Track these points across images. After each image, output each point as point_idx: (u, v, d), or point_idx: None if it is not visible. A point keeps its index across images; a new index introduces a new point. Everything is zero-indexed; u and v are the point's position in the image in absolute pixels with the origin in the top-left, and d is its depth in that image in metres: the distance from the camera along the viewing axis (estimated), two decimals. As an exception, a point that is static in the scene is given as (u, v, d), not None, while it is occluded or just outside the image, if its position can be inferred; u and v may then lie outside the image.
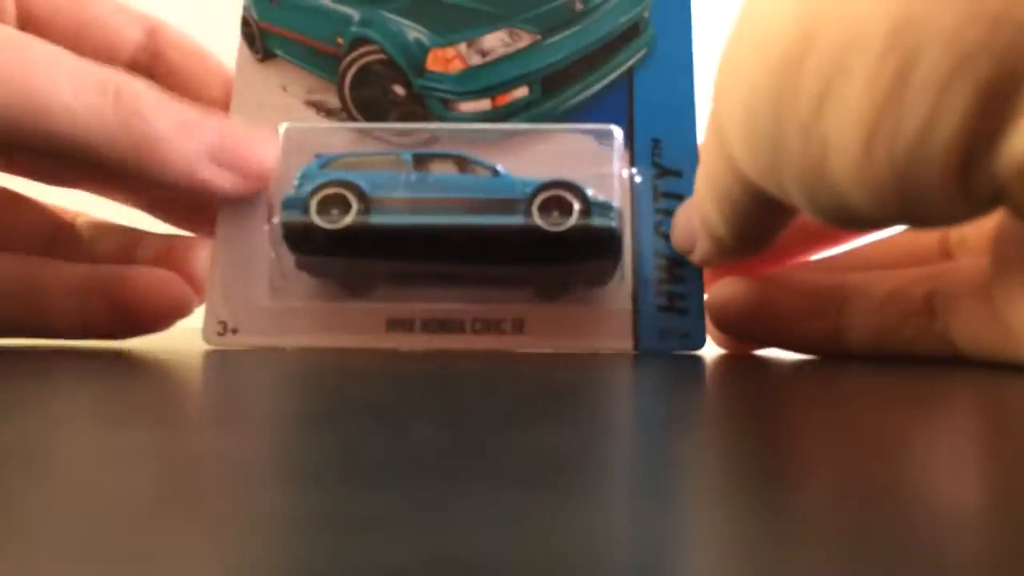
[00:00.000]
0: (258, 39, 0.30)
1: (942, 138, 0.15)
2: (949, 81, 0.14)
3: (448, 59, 0.29)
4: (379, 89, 0.29)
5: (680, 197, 0.27)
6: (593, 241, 0.26)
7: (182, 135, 0.25)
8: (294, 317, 0.27)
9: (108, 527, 0.08)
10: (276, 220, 0.26)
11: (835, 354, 0.26)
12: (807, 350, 0.27)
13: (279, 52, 0.29)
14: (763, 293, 0.26)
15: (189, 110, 0.25)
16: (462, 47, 0.29)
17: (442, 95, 0.29)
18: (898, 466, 0.10)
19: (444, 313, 0.27)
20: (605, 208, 0.26)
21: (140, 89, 0.24)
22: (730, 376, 0.21)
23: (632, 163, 0.28)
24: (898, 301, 0.25)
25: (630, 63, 0.29)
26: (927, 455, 0.12)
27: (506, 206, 0.25)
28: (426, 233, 0.25)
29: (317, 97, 0.29)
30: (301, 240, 0.26)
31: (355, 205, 0.25)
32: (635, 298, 0.27)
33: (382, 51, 0.29)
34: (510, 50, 0.29)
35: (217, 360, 0.24)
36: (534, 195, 0.25)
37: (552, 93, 0.29)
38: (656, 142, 0.28)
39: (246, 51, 0.29)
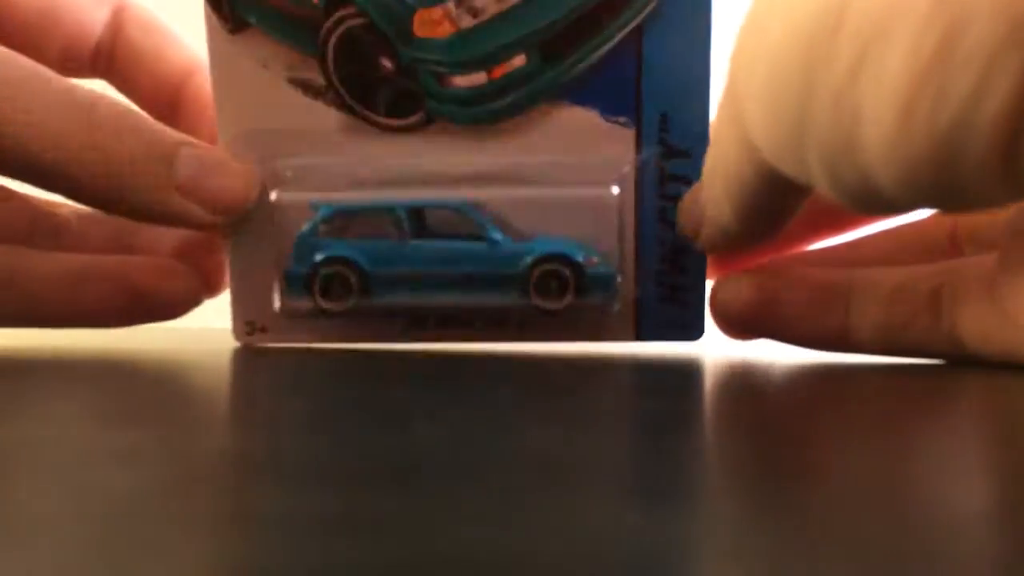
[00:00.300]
0: (226, 5, 0.27)
1: (989, 111, 0.14)
2: (999, 50, 0.13)
3: (436, 21, 0.26)
4: (365, 63, 0.27)
5: (688, 182, 0.26)
6: (590, 309, 0.27)
7: (153, 162, 0.24)
8: (317, 316, 0.28)
9: (113, 523, 0.08)
10: (278, 301, 0.27)
11: (841, 351, 0.27)
12: (813, 346, 0.27)
13: (251, 19, 0.27)
14: (768, 289, 0.26)
15: (167, 136, 0.24)
16: (450, 6, 0.26)
17: (434, 68, 0.27)
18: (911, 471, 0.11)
19: (454, 311, 0.28)
20: (602, 280, 0.26)
21: (117, 110, 0.24)
22: (741, 384, 0.22)
23: (638, 139, 0.27)
24: (904, 297, 0.25)
25: (638, 19, 0.26)
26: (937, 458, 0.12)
27: (504, 282, 0.26)
28: (426, 310, 0.27)
29: (300, 75, 0.27)
30: (306, 316, 0.27)
31: (356, 285, 0.26)
32: (637, 289, 0.27)
33: (363, 14, 0.26)
34: (503, 6, 0.26)
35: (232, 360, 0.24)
36: (531, 269, 0.26)
37: (552, 61, 0.27)
38: (664, 117, 0.27)
39: (216, 22, 0.27)
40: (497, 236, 0.26)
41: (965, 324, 0.24)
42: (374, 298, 0.26)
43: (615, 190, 0.27)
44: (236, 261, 0.27)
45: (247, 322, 0.28)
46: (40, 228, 0.28)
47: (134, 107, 0.24)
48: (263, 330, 0.28)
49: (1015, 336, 0.23)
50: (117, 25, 0.27)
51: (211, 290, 0.28)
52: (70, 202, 0.29)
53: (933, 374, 0.25)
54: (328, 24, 0.26)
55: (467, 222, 0.26)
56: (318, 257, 0.26)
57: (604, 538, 0.07)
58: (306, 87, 0.27)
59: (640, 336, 0.28)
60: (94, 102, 0.23)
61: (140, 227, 0.28)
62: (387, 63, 0.27)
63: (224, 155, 0.26)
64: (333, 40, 0.27)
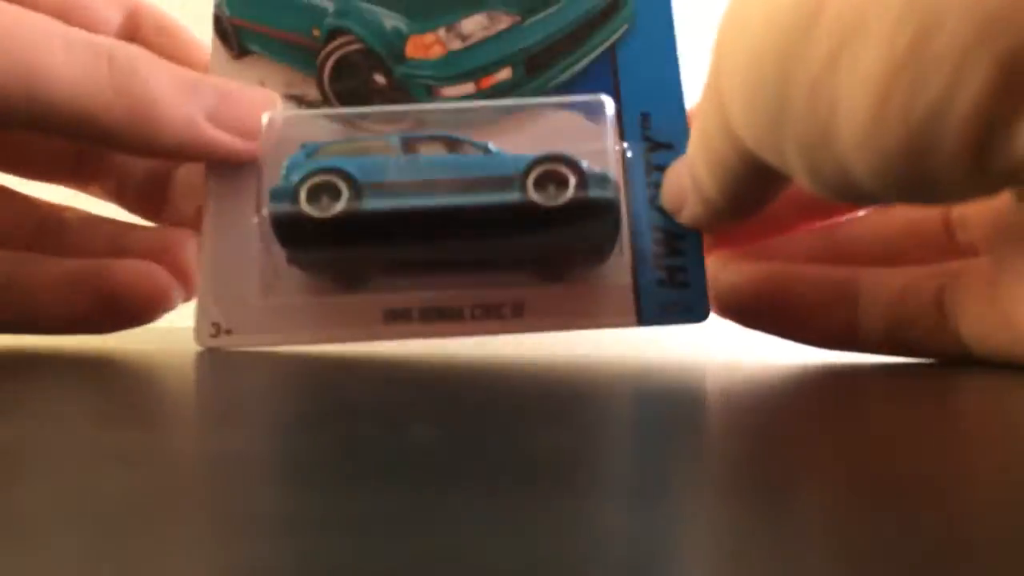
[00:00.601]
0: (232, 35, 0.29)
1: (960, 110, 0.14)
2: (970, 47, 0.13)
3: (428, 45, 0.29)
4: (359, 79, 0.28)
5: None
6: (591, 213, 0.25)
7: (179, 96, 0.24)
8: (289, 314, 0.26)
9: (108, 526, 0.07)
10: (265, 212, 0.25)
11: (847, 349, 0.26)
12: (820, 344, 0.26)
13: (255, 48, 0.29)
14: (773, 281, 0.26)
15: (185, 72, 0.25)
16: (441, 32, 0.29)
17: (425, 81, 0.28)
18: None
19: (442, 301, 0.26)
20: (601, 179, 0.25)
21: (134, 53, 0.24)
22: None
23: (623, 138, 0.28)
24: (910, 298, 0.25)
25: (612, 39, 0.29)
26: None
27: (500, 183, 0.25)
28: (420, 215, 0.24)
29: (296, 91, 0.28)
30: (291, 232, 0.25)
31: (346, 192, 0.24)
32: (634, 273, 0.27)
33: (360, 41, 0.28)
34: (490, 33, 0.29)
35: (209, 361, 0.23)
36: (528, 170, 0.25)
37: (535, 74, 0.28)
38: (645, 116, 0.28)
39: (221, 49, 0.29)
40: (494, 148, 0.26)
41: (967, 325, 0.24)
42: (364, 204, 0.24)
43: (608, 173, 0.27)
44: (207, 259, 0.27)
45: (213, 323, 0.26)
46: (46, 230, 0.28)
47: (144, 50, 0.24)
48: (229, 332, 0.26)
49: (1014, 337, 0.23)
50: (133, 26, 0.28)
51: (186, 290, 0.27)
52: (73, 200, 0.29)
53: (933, 375, 0.24)
54: (327, 50, 0.29)
55: (462, 146, 0.26)
56: (306, 170, 0.25)
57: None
58: (302, 101, 0.28)
59: (642, 320, 0.26)
60: (111, 48, 0.24)
61: (132, 229, 0.28)
62: (380, 78, 0.28)
63: (237, 83, 0.26)
64: (331, 62, 0.29)
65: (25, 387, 0.17)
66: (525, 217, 0.25)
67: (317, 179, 0.24)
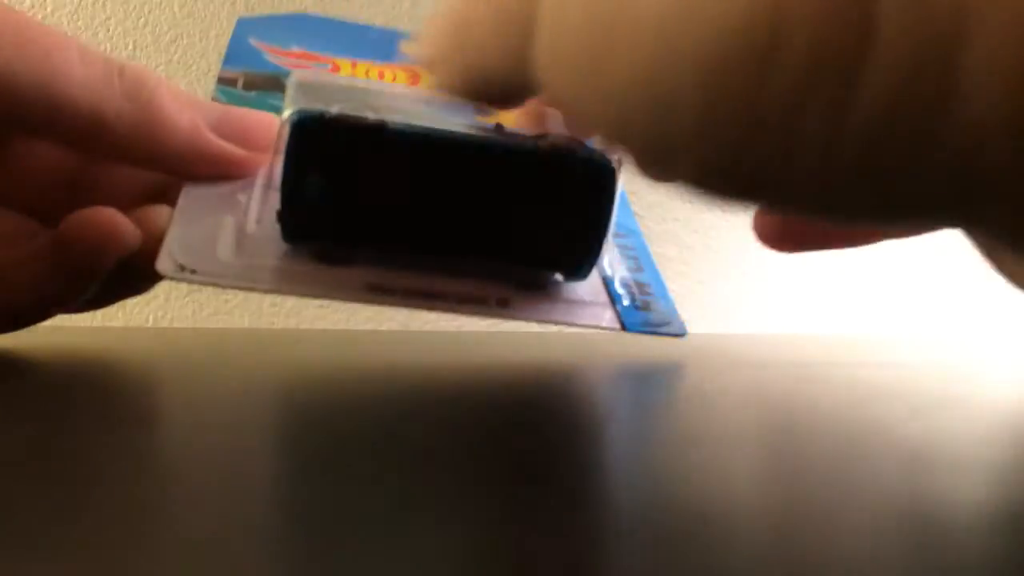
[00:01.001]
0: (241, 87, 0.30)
1: None
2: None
3: None
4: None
5: None
6: (593, 173, 0.26)
7: (184, 107, 0.26)
8: (262, 273, 0.25)
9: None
10: (284, 117, 0.25)
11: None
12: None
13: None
14: None
15: (185, 91, 0.27)
16: None
17: None
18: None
19: (427, 286, 0.26)
20: (603, 152, 0.26)
21: (141, 68, 0.26)
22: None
23: None
24: None
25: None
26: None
27: (515, 137, 0.26)
28: (443, 144, 0.25)
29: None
30: (313, 144, 0.24)
31: (372, 115, 0.25)
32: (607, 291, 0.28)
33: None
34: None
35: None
36: (539, 137, 0.26)
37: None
38: None
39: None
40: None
41: None
42: (390, 126, 0.24)
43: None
44: (186, 202, 0.26)
45: (179, 264, 0.24)
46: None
47: (149, 69, 0.26)
48: (194, 272, 0.24)
49: None
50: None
51: (147, 237, 0.25)
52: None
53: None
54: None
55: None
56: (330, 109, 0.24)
57: None
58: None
59: (625, 327, 0.28)
60: (121, 62, 0.25)
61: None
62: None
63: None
64: None
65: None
66: (535, 163, 0.26)
67: (344, 107, 0.25)
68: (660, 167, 0.13)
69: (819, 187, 0.11)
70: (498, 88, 0.17)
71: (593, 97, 0.13)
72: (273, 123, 0.27)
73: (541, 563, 0.07)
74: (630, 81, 0.12)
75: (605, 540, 0.08)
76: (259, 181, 0.27)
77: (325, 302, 0.60)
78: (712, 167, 0.12)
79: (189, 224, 0.25)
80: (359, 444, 0.13)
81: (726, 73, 0.11)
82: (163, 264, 0.24)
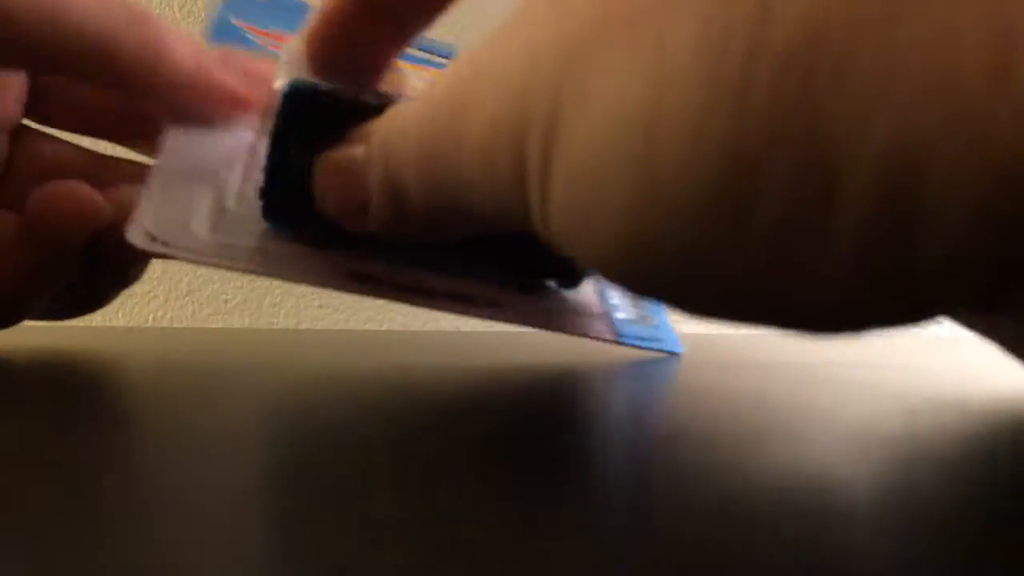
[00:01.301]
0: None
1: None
2: None
3: None
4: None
5: None
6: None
7: (185, 38, 0.25)
8: (239, 251, 0.23)
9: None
10: (277, 86, 0.23)
11: None
12: None
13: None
14: None
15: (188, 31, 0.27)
16: None
17: None
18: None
19: (413, 279, 0.24)
20: None
21: (143, 3, 0.26)
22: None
23: None
24: None
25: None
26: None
27: None
28: None
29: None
30: (303, 116, 0.22)
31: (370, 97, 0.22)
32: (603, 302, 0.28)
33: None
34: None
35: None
36: None
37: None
38: None
39: None
40: None
41: None
42: (389, 99, 0.22)
43: None
44: (161, 173, 0.24)
45: (150, 235, 0.23)
46: None
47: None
48: (166, 244, 0.23)
49: None
50: None
51: (121, 212, 0.24)
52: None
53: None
54: None
55: None
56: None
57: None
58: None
59: (619, 339, 0.29)
60: None
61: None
62: None
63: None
64: None
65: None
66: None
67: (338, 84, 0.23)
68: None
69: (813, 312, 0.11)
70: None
71: (588, 245, 0.13)
72: (273, 70, 0.26)
73: (541, 563, 0.07)
74: (616, 236, 0.12)
75: (605, 540, 0.09)
76: (242, 157, 0.25)
77: (324, 302, 0.61)
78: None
79: (164, 195, 0.23)
80: (359, 444, 0.13)
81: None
82: (133, 234, 0.22)
